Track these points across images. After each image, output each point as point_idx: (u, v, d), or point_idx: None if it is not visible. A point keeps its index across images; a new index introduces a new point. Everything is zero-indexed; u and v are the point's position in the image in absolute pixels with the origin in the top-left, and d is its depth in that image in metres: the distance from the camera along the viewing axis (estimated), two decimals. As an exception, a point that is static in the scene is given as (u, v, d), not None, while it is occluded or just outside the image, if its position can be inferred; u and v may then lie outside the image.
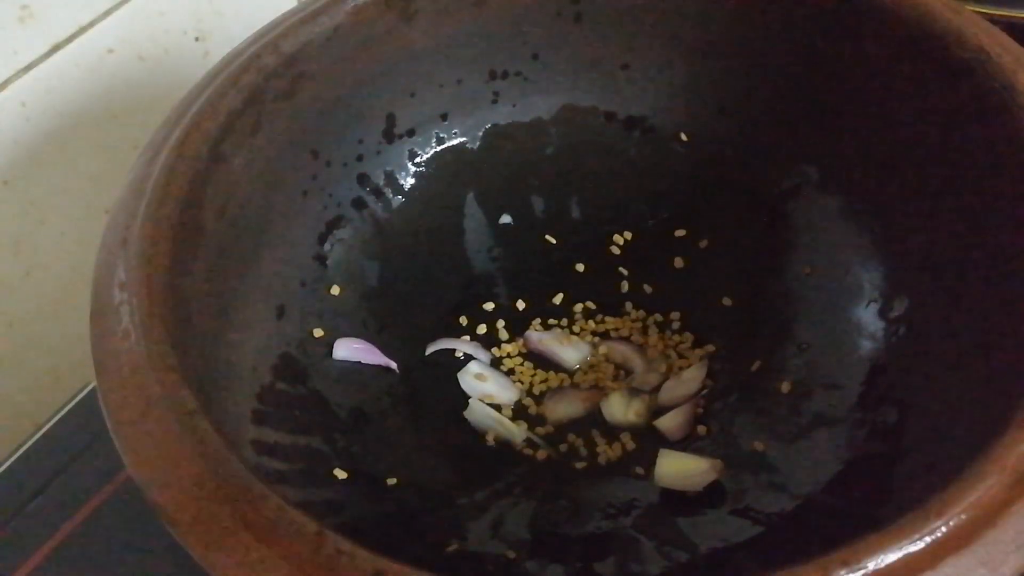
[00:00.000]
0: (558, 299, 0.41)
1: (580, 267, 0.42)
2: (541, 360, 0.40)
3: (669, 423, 0.36)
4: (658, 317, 0.40)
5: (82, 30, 0.46)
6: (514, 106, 0.42)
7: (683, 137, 0.41)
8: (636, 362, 0.39)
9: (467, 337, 0.40)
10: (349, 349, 0.37)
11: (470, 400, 0.38)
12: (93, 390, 0.43)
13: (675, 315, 0.40)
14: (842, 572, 0.21)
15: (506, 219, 0.42)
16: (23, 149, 0.46)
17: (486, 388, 0.38)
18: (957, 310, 0.32)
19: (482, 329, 0.40)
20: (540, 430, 0.37)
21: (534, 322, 0.41)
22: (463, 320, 0.40)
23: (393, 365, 0.37)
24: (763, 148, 0.40)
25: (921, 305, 0.34)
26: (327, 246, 0.38)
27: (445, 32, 0.39)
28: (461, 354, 0.39)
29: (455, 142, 0.42)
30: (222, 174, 0.33)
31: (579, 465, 0.36)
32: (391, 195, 0.40)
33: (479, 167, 0.42)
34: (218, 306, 0.31)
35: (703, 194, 0.41)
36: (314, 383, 0.35)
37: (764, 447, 0.34)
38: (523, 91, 0.42)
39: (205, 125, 0.32)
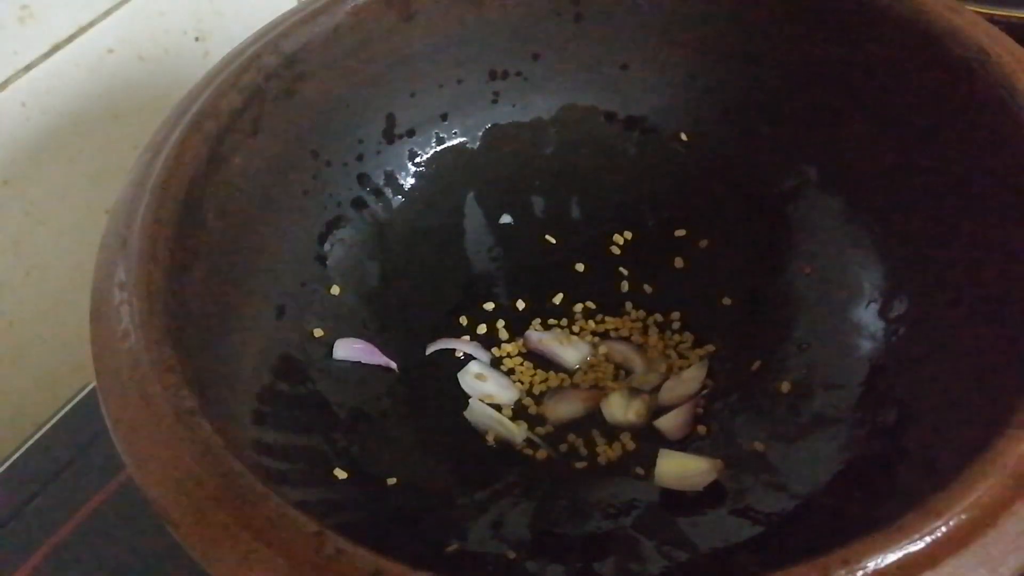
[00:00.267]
0: (558, 299, 0.41)
1: (580, 267, 0.42)
2: (541, 360, 0.40)
3: (669, 423, 0.36)
4: (658, 317, 0.40)
5: (82, 30, 0.46)
6: (514, 106, 0.42)
7: (683, 137, 0.41)
8: (636, 362, 0.39)
9: (467, 337, 0.40)
10: (349, 349, 0.37)
11: (470, 400, 0.38)
12: (93, 390, 0.43)
13: (675, 315, 0.40)
14: (842, 572, 0.21)
15: (506, 219, 0.42)
16: (23, 149, 0.46)
17: (486, 388, 0.38)
18: (957, 310, 0.32)
19: (482, 329, 0.40)
20: (540, 430, 0.37)
21: (534, 322, 0.41)
22: (463, 320, 0.40)
23: (393, 365, 0.37)
24: (763, 148, 0.40)
25: (921, 305, 0.34)
26: (327, 246, 0.38)
27: (445, 32, 0.39)
28: (461, 354, 0.39)
29: (455, 142, 0.42)
30: (222, 174, 0.33)
31: (579, 465, 0.36)
32: (391, 195, 0.40)
33: (479, 167, 0.42)
34: (218, 306, 0.31)
35: (703, 194, 0.41)
36: (314, 383, 0.35)
37: (764, 447, 0.34)
38: (523, 91, 0.42)
39: (205, 125, 0.32)
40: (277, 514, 0.23)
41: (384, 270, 0.40)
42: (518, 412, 0.38)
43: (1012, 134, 0.31)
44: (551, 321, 0.41)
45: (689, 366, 0.38)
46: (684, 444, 0.36)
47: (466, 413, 0.37)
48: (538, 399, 0.38)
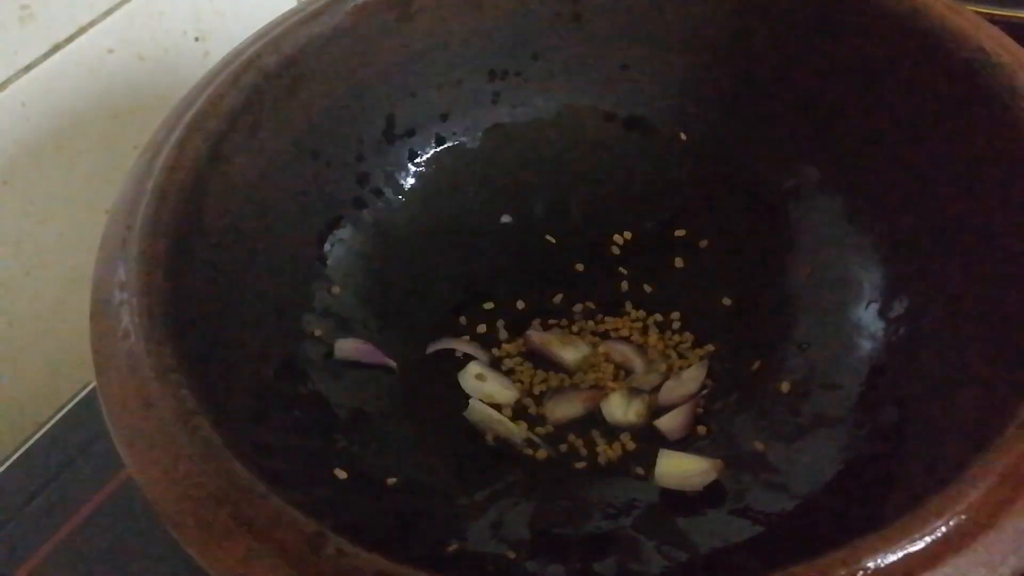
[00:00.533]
0: (558, 299, 0.41)
1: (580, 267, 0.42)
2: (541, 360, 0.40)
3: (669, 423, 0.36)
4: (658, 317, 0.40)
5: (82, 30, 0.46)
6: (514, 106, 0.42)
7: (683, 137, 0.41)
8: (636, 362, 0.39)
9: (467, 337, 0.40)
10: (349, 349, 0.37)
11: (470, 400, 0.38)
12: (93, 390, 0.43)
13: (675, 315, 0.40)
14: (842, 572, 0.21)
15: (506, 219, 0.42)
16: (23, 149, 0.46)
17: (486, 388, 0.38)
18: (957, 310, 0.32)
19: (482, 329, 0.40)
20: (540, 430, 0.37)
21: (534, 322, 0.41)
22: (463, 320, 0.40)
23: (393, 365, 0.37)
24: (763, 148, 0.40)
25: (921, 305, 0.34)
26: (327, 246, 0.38)
27: (445, 32, 0.39)
28: (461, 354, 0.39)
29: (455, 142, 0.42)
30: (222, 174, 0.33)
31: (579, 465, 0.36)
32: (391, 195, 0.40)
33: (479, 167, 0.42)
34: (218, 306, 0.31)
35: (703, 194, 0.41)
36: (314, 383, 0.35)
37: (764, 447, 0.34)
38: (523, 91, 0.42)
39: (205, 125, 0.32)
40: (277, 514, 0.23)
41: (384, 270, 0.39)
42: (518, 412, 0.38)
43: (1012, 134, 0.31)
44: (551, 321, 0.41)
45: (689, 366, 0.38)
46: (684, 444, 0.36)
47: (466, 413, 0.37)
48: (538, 399, 0.38)
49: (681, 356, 0.39)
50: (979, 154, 0.32)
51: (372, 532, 0.31)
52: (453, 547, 0.32)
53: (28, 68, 0.44)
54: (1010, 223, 0.31)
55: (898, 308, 0.35)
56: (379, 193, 0.40)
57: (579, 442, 0.37)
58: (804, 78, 0.38)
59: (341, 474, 0.32)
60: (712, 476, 0.33)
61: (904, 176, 0.35)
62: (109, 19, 0.47)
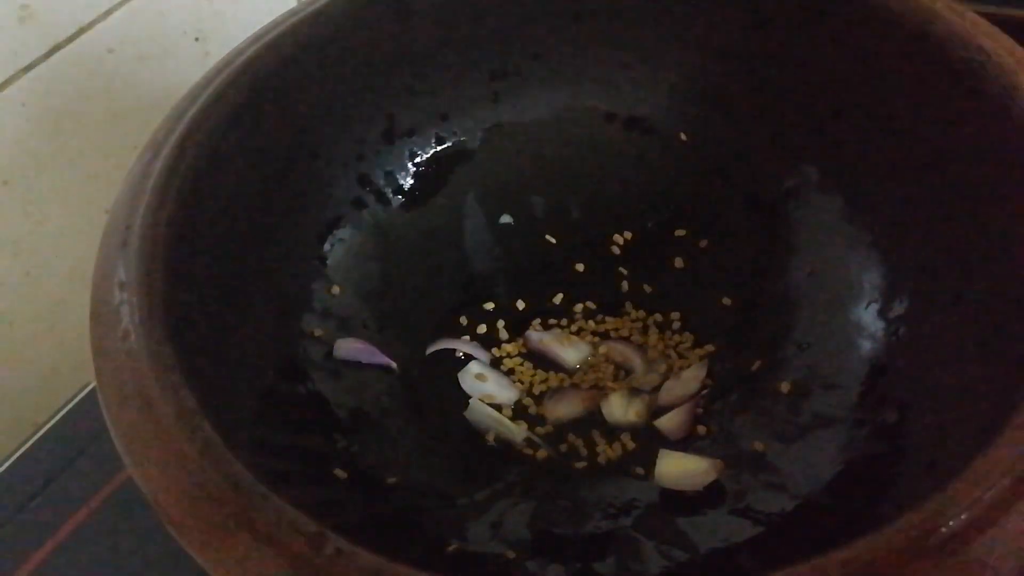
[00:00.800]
0: (558, 299, 0.41)
1: (580, 267, 0.42)
2: (541, 360, 0.40)
3: (669, 423, 0.36)
4: (658, 317, 0.40)
5: (82, 30, 0.46)
6: (514, 106, 0.42)
7: (683, 137, 0.41)
8: (636, 362, 0.39)
9: (467, 337, 0.40)
10: (349, 349, 0.37)
11: (470, 400, 0.38)
12: (93, 390, 0.43)
13: (675, 315, 0.40)
14: (842, 572, 0.21)
15: (506, 219, 0.42)
16: (23, 149, 0.46)
17: (486, 388, 0.38)
18: (957, 310, 0.32)
19: (482, 329, 0.40)
20: (540, 430, 0.37)
21: (534, 322, 0.41)
22: (463, 320, 0.40)
23: (393, 365, 0.37)
24: (763, 148, 0.40)
25: (921, 305, 0.34)
26: (327, 246, 0.38)
27: (445, 32, 0.39)
28: (461, 354, 0.39)
29: (455, 142, 0.42)
30: (222, 174, 0.33)
31: (579, 465, 0.36)
32: (391, 195, 0.40)
33: (479, 167, 0.42)
34: (218, 306, 0.31)
35: (703, 194, 0.41)
36: (314, 383, 0.35)
37: (764, 447, 0.34)
38: (523, 91, 0.42)
39: (205, 125, 0.32)
40: (277, 514, 0.23)
41: (384, 270, 0.40)
42: (518, 412, 0.38)
43: (1012, 134, 0.31)
44: (551, 321, 0.41)
45: (689, 366, 0.38)
46: (684, 444, 0.36)
47: (466, 413, 0.37)
48: (538, 399, 0.38)
49: (681, 356, 0.39)
50: (979, 154, 0.32)
51: (372, 532, 0.31)
52: (453, 547, 0.32)
53: (28, 68, 0.44)
54: (1010, 222, 0.31)
55: (898, 308, 0.35)
56: (379, 193, 0.40)
57: (579, 442, 0.37)
58: (804, 78, 0.38)
59: (341, 474, 0.32)
60: (712, 476, 0.33)
61: (904, 176, 0.35)
62: (109, 19, 0.47)
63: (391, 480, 0.34)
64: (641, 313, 0.41)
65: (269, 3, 0.54)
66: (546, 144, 0.42)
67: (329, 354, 0.36)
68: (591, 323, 0.41)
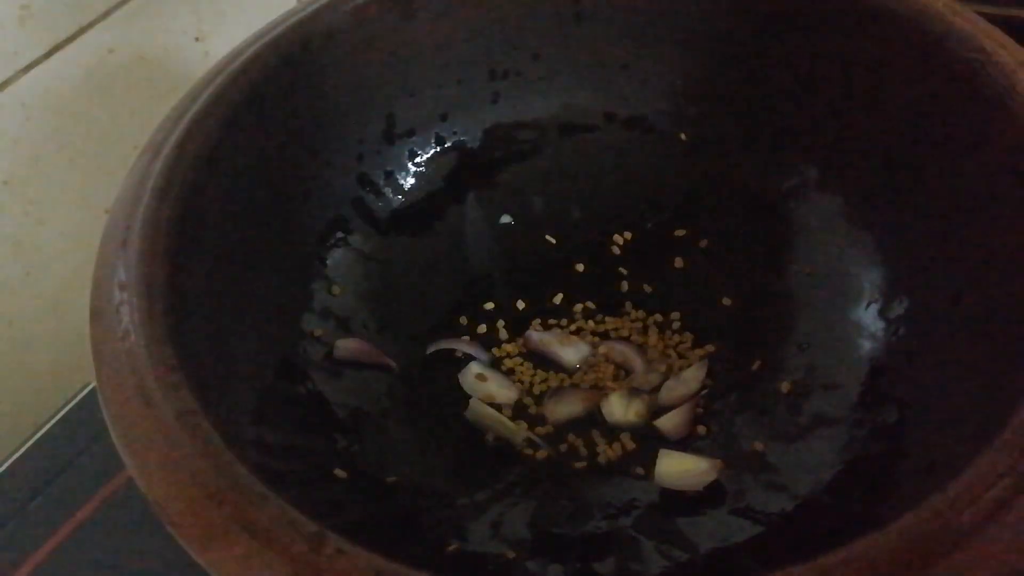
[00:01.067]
0: (558, 299, 0.41)
1: (580, 267, 0.42)
2: (541, 360, 0.40)
3: (669, 423, 0.36)
4: (658, 317, 0.40)
5: (82, 30, 0.46)
6: (514, 106, 0.42)
7: (683, 137, 0.41)
8: (636, 362, 0.39)
9: (467, 337, 0.40)
10: (349, 349, 0.37)
11: (470, 400, 0.38)
12: (93, 390, 0.43)
13: (675, 315, 0.40)
14: (842, 572, 0.21)
15: (506, 219, 0.42)
16: (23, 149, 0.46)
17: (486, 388, 0.38)
18: (957, 310, 0.32)
19: (482, 329, 0.40)
20: (540, 430, 0.37)
21: (534, 322, 0.41)
22: (463, 320, 0.40)
23: (393, 365, 0.37)
24: (763, 148, 0.40)
25: (921, 305, 0.34)
26: (327, 246, 0.38)
27: (445, 32, 0.39)
28: (461, 354, 0.39)
29: (455, 142, 0.42)
30: (222, 174, 0.33)
31: (579, 465, 0.36)
32: (391, 195, 0.40)
33: (479, 167, 0.42)
34: (218, 306, 0.31)
35: (703, 194, 0.41)
36: (314, 383, 0.35)
37: (764, 447, 0.34)
38: (523, 91, 0.42)
39: (205, 125, 0.32)
40: (277, 514, 0.23)
41: (384, 270, 0.40)
42: (518, 412, 0.38)
43: (1012, 134, 0.31)
44: (551, 321, 0.41)
45: (689, 366, 0.38)
46: (684, 444, 0.36)
47: (466, 413, 0.37)
48: (538, 399, 0.38)
49: (681, 356, 0.39)
50: (979, 154, 0.32)
51: (372, 532, 0.31)
52: (453, 547, 0.32)
53: (28, 68, 0.44)
54: (1010, 222, 0.31)
55: (898, 308, 0.35)
56: (379, 193, 0.40)
57: (579, 442, 0.37)
58: (804, 78, 0.38)
59: (341, 474, 0.32)
60: (712, 476, 0.33)
61: (904, 176, 0.35)
62: (109, 19, 0.47)
63: (391, 480, 0.34)
64: (641, 313, 0.41)
65: (269, 3, 0.54)
66: (546, 144, 0.42)
67: (329, 354, 0.36)
68: (591, 323, 0.41)
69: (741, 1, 0.38)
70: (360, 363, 0.37)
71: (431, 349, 0.39)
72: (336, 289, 0.38)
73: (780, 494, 0.33)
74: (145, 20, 0.49)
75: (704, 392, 0.37)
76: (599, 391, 0.38)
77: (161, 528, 0.24)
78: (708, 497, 0.33)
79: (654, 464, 0.34)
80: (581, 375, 0.39)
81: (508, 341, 0.40)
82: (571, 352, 0.39)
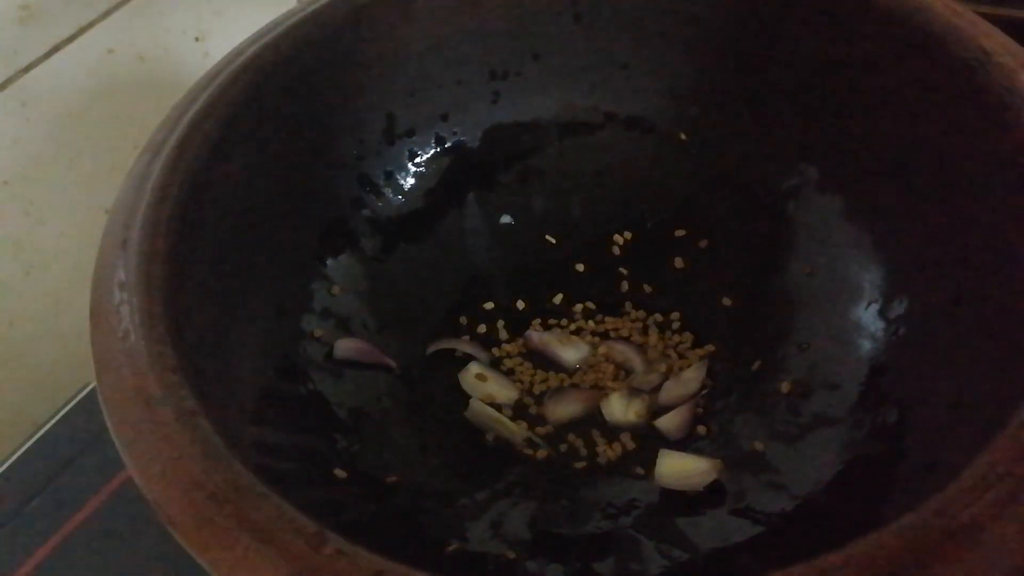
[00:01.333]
0: (558, 299, 0.41)
1: (580, 267, 0.42)
2: (541, 360, 0.40)
3: (669, 423, 0.36)
4: (658, 317, 0.40)
5: (82, 30, 0.46)
6: (514, 106, 0.42)
7: (683, 137, 0.41)
8: (636, 362, 0.39)
9: (467, 337, 0.40)
10: (349, 349, 0.37)
11: (470, 400, 0.38)
12: (93, 390, 0.43)
13: (675, 315, 0.40)
14: (842, 572, 0.21)
15: (506, 219, 0.42)
16: (23, 149, 0.46)
17: (486, 388, 0.38)
18: (957, 310, 0.32)
19: (482, 329, 0.40)
20: (540, 430, 0.37)
21: (534, 322, 0.41)
22: (463, 320, 0.40)
23: (393, 365, 0.37)
24: (763, 148, 0.40)
25: (921, 305, 0.34)
26: (327, 246, 0.38)
27: (445, 32, 0.39)
28: (461, 354, 0.39)
29: (455, 142, 0.42)
30: (222, 174, 0.33)
31: (579, 465, 0.36)
32: (391, 195, 0.40)
33: (479, 167, 0.42)
34: (218, 306, 0.31)
35: (703, 194, 0.41)
36: (314, 383, 0.35)
37: (764, 447, 0.34)
38: (523, 91, 0.42)
39: (205, 125, 0.32)
40: (277, 514, 0.23)
41: (384, 270, 0.40)
42: (518, 412, 0.38)
43: (1012, 134, 0.31)
44: (551, 321, 0.41)
45: (689, 366, 0.38)
46: (684, 444, 0.36)
47: (466, 413, 0.37)
48: (538, 399, 0.38)
49: (681, 356, 0.39)
50: (979, 154, 0.32)
51: (372, 532, 0.31)
52: (453, 547, 0.32)
53: (28, 68, 0.44)
54: (1010, 222, 0.31)
55: (898, 308, 0.35)
56: (379, 193, 0.40)
57: (579, 442, 0.37)
58: (804, 78, 0.38)
59: (341, 474, 0.32)
60: (712, 476, 0.33)
61: (904, 176, 0.35)
62: (109, 19, 0.47)
63: (391, 480, 0.34)
64: (641, 313, 0.41)
65: (269, 3, 0.54)
66: (546, 144, 0.42)
67: (329, 354, 0.36)
68: (591, 323, 0.41)
69: (741, 1, 0.38)
70: (360, 363, 0.37)
71: (431, 349, 0.39)
72: (336, 289, 0.38)
73: (780, 494, 0.33)
74: (145, 20, 0.49)
75: (704, 392, 0.37)
76: (599, 391, 0.38)
77: (161, 528, 0.24)
78: (708, 497, 0.33)
79: (654, 464, 0.35)
80: (581, 375, 0.39)
81: (508, 341, 0.40)
82: (571, 352, 0.39)
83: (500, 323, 0.40)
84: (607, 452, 0.36)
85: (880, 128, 0.36)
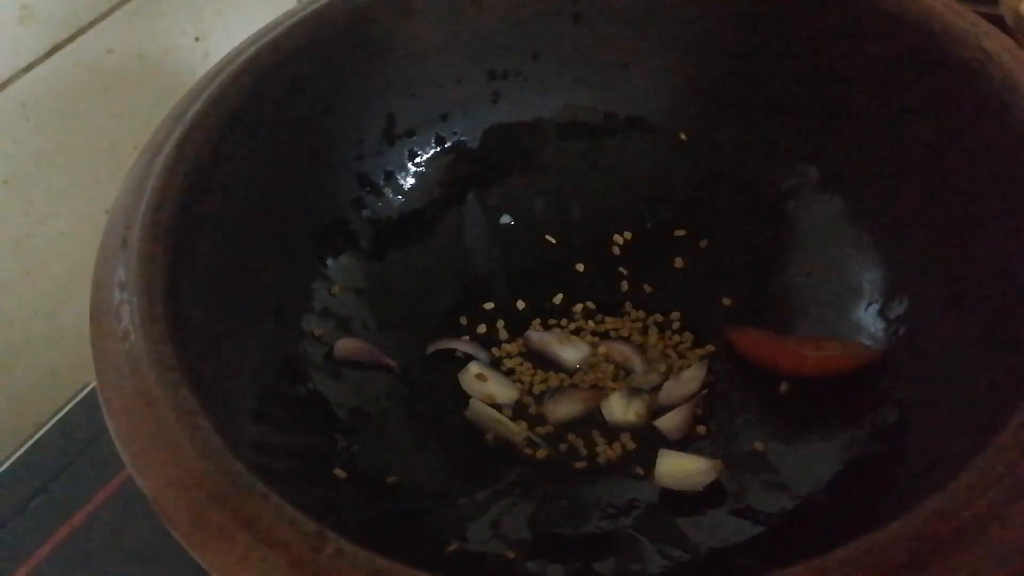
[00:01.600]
0: (558, 299, 0.41)
1: (580, 267, 0.42)
2: (541, 360, 0.40)
3: (669, 423, 0.36)
4: (658, 317, 0.40)
5: (82, 30, 0.46)
6: (514, 106, 0.42)
7: (683, 137, 0.41)
8: (636, 362, 0.39)
9: (467, 337, 0.40)
10: (349, 349, 0.37)
11: (470, 400, 0.38)
12: (93, 390, 0.43)
13: (675, 315, 0.40)
14: (842, 572, 0.21)
15: (506, 219, 0.42)
16: (23, 149, 0.46)
17: (486, 388, 0.38)
18: (957, 310, 0.32)
19: (482, 329, 0.40)
20: (540, 430, 0.37)
21: (534, 322, 0.41)
22: (463, 320, 0.40)
23: (393, 365, 0.37)
24: (763, 148, 0.40)
25: (921, 305, 0.34)
26: (327, 246, 0.38)
27: (445, 32, 0.39)
28: (461, 354, 0.39)
29: (455, 142, 0.42)
30: (222, 174, 0.33)
31: (579, 465, 0.36)
32: (391, 195, 0.40)
33: (479, 167, 0.42)
34: (218, 306, 0.31)
35: (703, 194, 0.41)
36: (314, 383, 0.35)
37: (764, 447, 0.34)
38: (523, 91, 0.42)
39: (205, 125, 0.32)
40: (277, 514, 0.23)
41: (384, 270, 0.40)
42: (518, 412, 0.38)
43: (1012, 134, 0.31)
44: (551, 321, 0.41)
45: (689, 366, 0.38)
46: (684, 444, 0.36)
47: (466, 413, 0.37)
48: (538, 399, 0.38)
49: (681, 356, 0.39)
50: (979, 154, 0.32)
51: (372, 532, 0.31)
52: (453, 547, 0.32)
53: (28, 68, 0.44)
54: (1010, 222, 0.31)
55: (898, 308, 0.35)
56: (379, 193, 0.40)
57: (579, 442, 0.37)
58: (804, 78, 0.38)
59: (341, 474, 0.32)
60: (712, 476, 0.33)
61: (904, 176, 0.35)
62: (109, 19, 0.47)
63: (391, 480, 0.34)
64: (641, 313, 0.41)
65: (269, 3, 0.54)
66: (546, 144, 0.42)
67: (329, 354, 0.36)
68: (591, 323, 0.41)
69: (741, 1, 0.38)
70: (360, 363, 0.37)
71: (431, 349, 0.39)
72: (336, 289, 0.38)
73: (780, 494, 0.33)
74: (145, 20, 0.49)
75: (704, 392, 0.37)
76: (599, 391, 0.38)
77: (161, 528, 0.24)
78: (708, 497, 0.33)
79: (654, 464, 0.35)
80: (581, 375, 0.39)
81: (508, 341, 0.40)
82: (571, 352, 0.39)
83: (500, 323, 0.40)
84: (607, 452, 0.36)
85: (880, 128, 0.36)
